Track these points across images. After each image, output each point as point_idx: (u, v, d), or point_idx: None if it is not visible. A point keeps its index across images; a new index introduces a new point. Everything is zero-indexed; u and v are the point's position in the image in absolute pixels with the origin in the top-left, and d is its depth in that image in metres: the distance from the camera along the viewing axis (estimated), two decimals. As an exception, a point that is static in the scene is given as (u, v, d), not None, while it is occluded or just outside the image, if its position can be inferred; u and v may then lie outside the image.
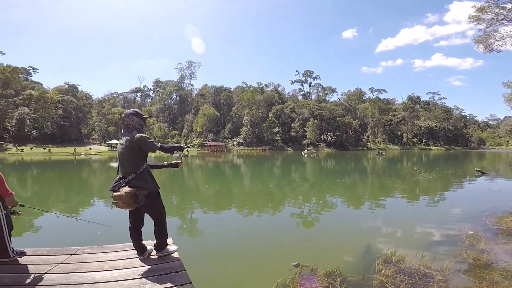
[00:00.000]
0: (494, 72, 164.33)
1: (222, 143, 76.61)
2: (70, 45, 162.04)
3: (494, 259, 4.30)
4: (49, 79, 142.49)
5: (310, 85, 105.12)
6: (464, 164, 31.78)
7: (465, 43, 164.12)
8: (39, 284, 2.34)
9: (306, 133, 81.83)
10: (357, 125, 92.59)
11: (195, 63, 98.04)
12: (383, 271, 3.85)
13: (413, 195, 11.58)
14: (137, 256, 2.95)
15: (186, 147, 3.39)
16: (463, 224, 6.38)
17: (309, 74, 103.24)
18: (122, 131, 2.98)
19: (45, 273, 2.52)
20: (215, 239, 5.69)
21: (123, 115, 2.96)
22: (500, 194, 11.25)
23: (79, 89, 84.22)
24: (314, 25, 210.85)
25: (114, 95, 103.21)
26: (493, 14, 28.77)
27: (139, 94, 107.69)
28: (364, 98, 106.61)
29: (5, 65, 68.64)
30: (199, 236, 5.92)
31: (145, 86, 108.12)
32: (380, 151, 67.61)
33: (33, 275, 2.48)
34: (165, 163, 3.42)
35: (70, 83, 78.89)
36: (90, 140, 79.03)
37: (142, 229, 3.06)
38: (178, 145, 3.04)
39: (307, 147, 79.14)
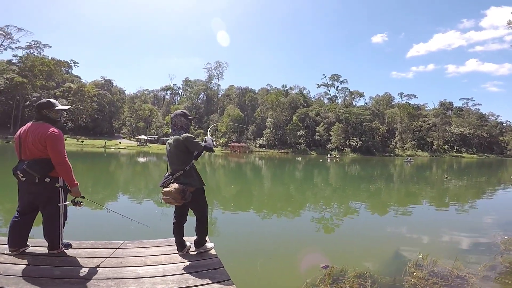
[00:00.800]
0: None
1: (245, 144, 77.19)
2: (107, 41, 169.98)
3: None
4: (87, 72, 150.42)
5: (336, 89, 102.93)
6: (499, 171, 29.90)
7: (503, 48, 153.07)
8: (88, 277, 2.43)
9: (330, 137, 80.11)
10: (385, 131, 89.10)
11: (223, 63, 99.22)
12: (415, 273, 3.82)
13: (442, 202, 11.17)
14: (177, 252, 3.08)
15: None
16: (497, 230, 6.22)
17: (336, 78, 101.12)
18: (170, 130, 3.18)
19: (93, 267, 2.62)
20: (241, 239, 5.81)
21: (172, 115, 3.15)
22: None
23: (114, 84, 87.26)
24: (343, 29, 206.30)
25: (146, 92, 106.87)
26: None
27: (168, 92, 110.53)
28: (393, 103, 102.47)
29: (50, 58, 72.60)
30: (225, 236, 6.04)
31: (175, 84, 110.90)
32: (409, 158, 64.57)
33: (81, 269, 2.56)
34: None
35: (106, 78, 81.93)
36: (120, 134, 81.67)
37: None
38: (209, 137, 3.09)
39: (331, 151, 77.40)
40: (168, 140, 3.10)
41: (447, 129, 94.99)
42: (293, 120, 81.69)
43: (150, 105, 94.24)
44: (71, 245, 3.04)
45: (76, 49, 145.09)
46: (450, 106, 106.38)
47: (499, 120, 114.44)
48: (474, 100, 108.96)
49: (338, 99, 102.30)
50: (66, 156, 2.72)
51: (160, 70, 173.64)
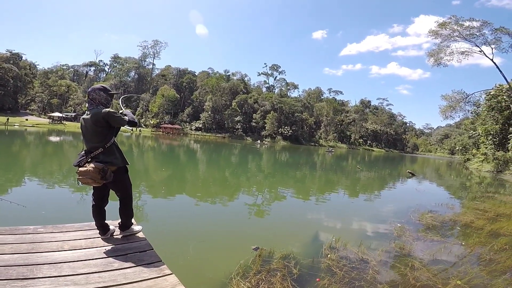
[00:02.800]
0: (437, 85, 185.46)
1: (179, 126, 74.15)
2: (22, 10, 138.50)
3: (415, 248, 5.15)
4: None
5: (275, 79, 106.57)
6: (399, 166, 35.73)
7: (419, 55, 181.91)
8: None
9: (265, 125, 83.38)
10: (313, 122, 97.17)
11: (162, 43, 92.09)
12: (329, 255, 4.38)
13: (354, 191, 12.90)
14: (99, 236, 2.90)
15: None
16: (393, 218, 7.38)
17: (275, 68, 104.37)
18: (87, 105, 2.89)
19: None
20: (172, 223, 5.75)
21: (89, 90, 2.88)
22: (424, 194, 13.20)
23: (24, 58, 74.31)
24: (287, 22, 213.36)
25: (64, 67, 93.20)
26: (450, 31, 32.69)
27: (92, 68, 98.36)
28: (322, 97, 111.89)
29: None
30: (154, 219, 5.89)
31: (101, 60, 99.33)
32: (330, 148, 72.17)
33: None
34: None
35: (13, 51, 69.05)
36: (27, 110, 70.38)
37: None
38: (127, 111, 3.05)
39: (265, 138, 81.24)
40: (83, 116, 2.83)
41: (364, 125, 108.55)
42: (232, 106, 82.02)
43: (68, 81, 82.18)
44: None
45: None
46: (368, 104, 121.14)
47: (404, 120, 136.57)
48: (388, 101, 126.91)
49: (275, 89, 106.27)
50: None
51: (85, 46, 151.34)
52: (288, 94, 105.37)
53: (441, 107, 37.29)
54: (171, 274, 2.34)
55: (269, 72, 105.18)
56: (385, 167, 30.72)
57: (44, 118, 63.18)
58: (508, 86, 31.05)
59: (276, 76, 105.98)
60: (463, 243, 5.74)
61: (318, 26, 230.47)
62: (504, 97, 31.50)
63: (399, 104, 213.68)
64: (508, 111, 31.44)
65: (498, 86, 33.34)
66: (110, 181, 2.71)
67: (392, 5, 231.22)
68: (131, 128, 3.27)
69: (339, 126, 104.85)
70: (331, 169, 22.76)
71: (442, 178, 24.62)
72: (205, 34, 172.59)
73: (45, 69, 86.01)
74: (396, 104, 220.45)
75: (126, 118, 2.84)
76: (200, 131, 77.56)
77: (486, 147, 34.31)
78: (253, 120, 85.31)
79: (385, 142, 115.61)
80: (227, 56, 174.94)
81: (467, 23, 31.55)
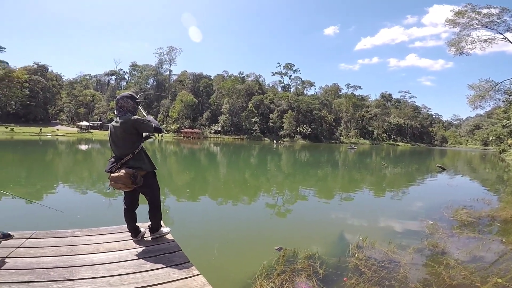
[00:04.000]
0: (462, 75, 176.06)
1: (198, 130, 75.65)
2: (44, 25, 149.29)
3: (449, 246, 4.89)
4: (18, 58, 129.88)
5: (290, 78, 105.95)
6: (427, 160, 34.12)
7: (439, 45, 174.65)
8: (36, 267, 2.29)
9: (283, 124, 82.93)
10: (332, 119, 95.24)
11: (177, 48, 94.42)
12: (356, 255, 4.27)
13: (380, 188, 12.42)
14: (131, 238, 3.04)
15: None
16: (424, 215, 7.03)
17: (289, 67, 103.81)
18: (115, 112, 3.02)
19: (40, 257, 2.47)
20: (197, 225, 5.87)
21: (117, 97, 3.00)
22: (456, 189, 12.49)
23: (50, 70, 78.92)
24: (298, 20, 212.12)
25: (87, 77, 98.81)
26: (468, 19, 31.00)
27: (113, 77, 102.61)
28: (340, 93, 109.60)
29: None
30: (180, 223, 6.03)
31: (121, 69, 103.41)
32: (352, 145, 70.53)
33: (27, 259, 2.40)
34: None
35: (39, 63, 74.08)
36: (58, 121, 75.28)
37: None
38: (150, 117, 3.15)
39: (284, 138, 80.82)
40: (112, 123, 2.96)
41: (386, 119, 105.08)
42: (249, 107, 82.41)
43: (92, 90, 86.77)
44: (11, 235, 2.78)
45: (2, 33, 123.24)
46: (389, 97, 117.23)
47: (430, 112, 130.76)
48: (411, 93, 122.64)
49: (291, 88, 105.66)
50: None
51: (104, 55, 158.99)
52: (305, 92, 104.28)
53: (468, 97, 35.33)
54: (199, 274, 2.41)
55: (283, 71, 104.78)
56: (412, 162, 29.45)
57: (73, 127, 67.27)
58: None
59: (291, 75, 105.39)
60: (504, 240, 5.39)
61: (329, 22, 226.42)
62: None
63: (423, 96, 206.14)
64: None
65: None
66: (140, 185, 2.84)
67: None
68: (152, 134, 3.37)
69: (360, 121, 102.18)
70: (354, 167, 22.17)
71: (476, 171, 23.17)
72: (217, 36, 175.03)
73: (70, 79, 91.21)
74: (419, 96, 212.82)
75: (153, 125, 2.94)
76: (219, 134, 78.60)
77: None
78: (270, 120, 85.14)
79: (410, 136, 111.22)
80: (240, 58, 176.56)
81: (485, 11, 29.66)
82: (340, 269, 3.85)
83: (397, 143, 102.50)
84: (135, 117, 2.86)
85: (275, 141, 74.81)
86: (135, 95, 3.11)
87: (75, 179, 11.03)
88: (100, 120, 75.46)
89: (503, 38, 29.95)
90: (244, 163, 21.79)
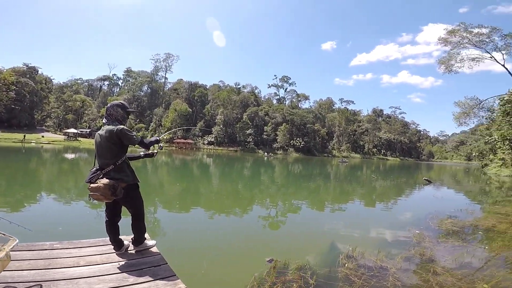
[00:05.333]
0: (450, 92, 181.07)
1: (191, 141, 75.07)
2: (34, 23, 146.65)
3: (436, 254, 5.00)
4: (6, 58, 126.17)
5: (285, 91, 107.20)
6: (415, 174, 34.81)
7: (430, 63, 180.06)
8: (11, 281, 2.16)
9: (277, 137, 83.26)
10: (325, 133, 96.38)
11: (174, 56, 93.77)
12: (346, 265, 4.27)
13: (370, 200, 12.57)
14: (114, 251, 2.91)
15: (162, 136, 3.60)
16: (411, 225, 7.21)
17: (286, 79, 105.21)
18: (104, 120, 2.94)
19: (15, 270, 2.33)
20: (187, 238, 5.72)
21: (108, 105, 2.94)
22: (442, 200, 12.94)
23: (40, 72, 74.70)
24: (297, 34, 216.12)
25: (78, 81, 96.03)
26: (460, 38, 32.46)
27: (106, 82, 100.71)
28: (333, 107, 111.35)
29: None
30: (169, 235, 5.87)
31: (115, 74, 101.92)
32: (343, 159, 71.19)
33: (1, 274, 2.21)
34: (141, 153, 3.31)
35: (29, 65, 69.87)
36: (44, 127, 71.37)
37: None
38: (156, 138, 3.10)
39: (277, 150, 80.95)
40: (98, 131, 2.87)
41: (377, 134, 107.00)
42: (244, 119, 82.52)
43: (83, 95, 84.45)
44: None
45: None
46: (381, 113, 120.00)
47: (418, 128, 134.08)
48: (401, 109, 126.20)
49: (286, 100, 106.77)
50: None
51: (99, 59, 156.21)
52: (299, 105, 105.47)
53: (455, 114, 36.83)
54: (186, 289, 2.28)
55: (279, 84, 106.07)
56: (400, 176, 29.90)
57: (59, 134, 64.18)
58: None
59: (287, 88, 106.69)
60: (487, 247, 5.56)
61: (327, 37, 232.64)
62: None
63: (412, 112, 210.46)
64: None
65: (511, 91, 32.54)
66: (121, 198, 2.73)
67: (400, 15, 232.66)
68: (161, 147, 3.33)
69: (352, 136, 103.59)
70: (345, 180, 22.29)
71: (460, 184, 23.82)
72: (215, 47, 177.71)
73: (60, 83, 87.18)
74: (409, 112, 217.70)
75: (139, 138, 2.85)
76: (212, 145, 78.06)
77: (503, 152, 33.37)
78: (265, 133, 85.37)
79: (399, 151, 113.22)
80: (237, 69, 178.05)
81: (476, 30, 31.28)
82: (331, 279, 3.82)
83: (386, 157, 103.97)
84: (121, 126, 2.77)
85: (265, 153, 74.84)
86: (126, 105, 3.04)
87: (59, 189, 10.67)
88: (89, 128, 72.47)
89: (490, 57, 31.33)
90: (237, 175, 21.62)
